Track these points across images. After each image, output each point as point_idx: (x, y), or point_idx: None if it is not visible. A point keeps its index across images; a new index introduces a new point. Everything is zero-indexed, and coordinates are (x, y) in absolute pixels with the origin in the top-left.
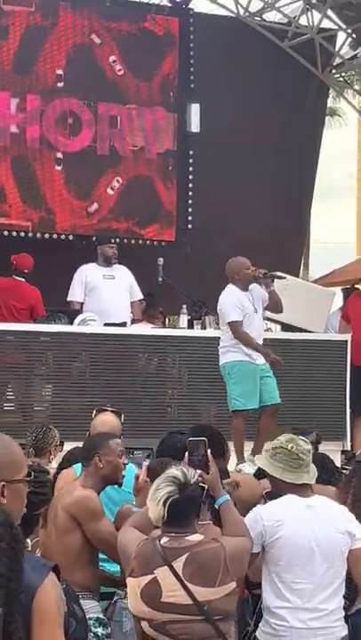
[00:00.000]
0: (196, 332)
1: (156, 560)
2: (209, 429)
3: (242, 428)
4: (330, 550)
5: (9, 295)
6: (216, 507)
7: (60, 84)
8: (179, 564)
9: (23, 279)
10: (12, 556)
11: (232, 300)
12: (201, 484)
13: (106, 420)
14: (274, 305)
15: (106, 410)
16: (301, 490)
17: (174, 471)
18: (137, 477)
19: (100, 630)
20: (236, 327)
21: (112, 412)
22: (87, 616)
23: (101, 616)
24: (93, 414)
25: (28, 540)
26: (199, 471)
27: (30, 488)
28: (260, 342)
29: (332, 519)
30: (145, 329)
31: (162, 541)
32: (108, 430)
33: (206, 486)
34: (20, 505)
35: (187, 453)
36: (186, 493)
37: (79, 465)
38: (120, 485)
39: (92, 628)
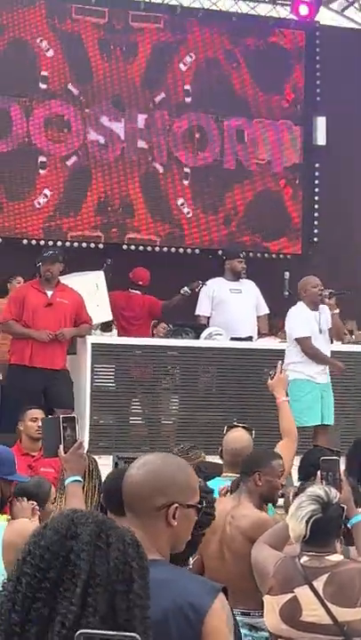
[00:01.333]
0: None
1: (296, 579)
2: None
3: None
4: None
5: (121, 306)
6: (349, 526)
7: (188, 100)
8: (319, 584)
9: (139, 292)
10: (144, 576)
11: (299, 317)
12: (341, 504)
13: (238, 437)
14: (335, 330)
15: (237, 426)
16: None
17: (317, 490)
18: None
19: None
20: (305, 343)
21: (243, 427)
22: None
23: None
24: (224, 430)
25: (191, 559)
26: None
27: (205, 509)
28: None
29: None
30: (272, 343)
31: (302, 560)
32: (240, 447)
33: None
34: (188, 531)
35: (319, 472)
36: (328, 513)
37: None
38: (274, 504)
39: None
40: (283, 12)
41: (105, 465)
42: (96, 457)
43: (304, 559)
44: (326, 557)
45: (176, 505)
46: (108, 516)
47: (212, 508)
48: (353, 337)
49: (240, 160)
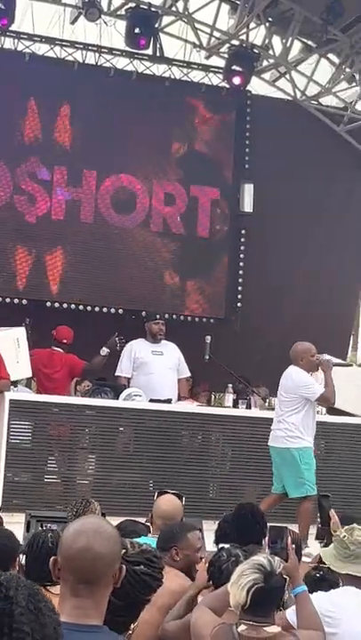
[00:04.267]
0: (241, 411)
1: None
2: (251, 507)
3: (313, 511)
4: None
5: (41, 364)
6: (293, 596)
7: (118, 161)
8: None
9: (61, 350)
10: None
11: (309, 378)
12: (284, 575)
13: (168, 500)
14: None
15: (167, 492)
16: (359, 583)
17: (261, 559)
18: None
19: None
20: (327, 396)
21: (174, 494)
22: None
23: None
24: (155, 497)
25: (132, 626)
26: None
27: (151, 571)
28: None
29: None
30: (190, 406)
31: (239, 629)
32: (172, 510)
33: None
34: None
35: (266, 540)
36: (271, 583)
37: None
38: (192, 579)
39: None
40: (215, 80)
41: (18, 523)
42: (9, 515)
43: (241, 628)
44: (264, 628)
45: (123, 566)
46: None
47: (160, 574)
48: (267, 403)
49: (168, 223)
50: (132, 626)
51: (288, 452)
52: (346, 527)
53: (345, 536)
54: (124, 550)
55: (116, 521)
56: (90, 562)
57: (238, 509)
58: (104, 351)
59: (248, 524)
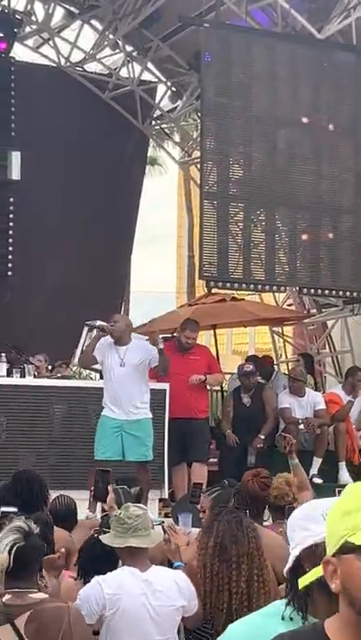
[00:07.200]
0: (15, 380)
1: None
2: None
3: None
4: (164, 624)
5: None
6: None
7: None
8: (21, 622)
9: None
10: None
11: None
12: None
13: None
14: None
15: None
16: (137, 559)
17: (17, 522)
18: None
19: None
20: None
21: None
22: None
23: None
24: None
25: None
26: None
27: None
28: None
29: (166, 595)
30: None
31: (4, 598)
32: None
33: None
34: None
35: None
36: (31, 541)
37: None
38: None
39: None
40: None
41: None
42: None
43: (6, 597)
44: (29, 595)
45: None
46: None
47: None
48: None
49: None
50: None
51: None
52: (123, 506)
53: (121, 513)
54: None
55: None
56: None
57: (15, 477)
58: None
59: (24, 490)
